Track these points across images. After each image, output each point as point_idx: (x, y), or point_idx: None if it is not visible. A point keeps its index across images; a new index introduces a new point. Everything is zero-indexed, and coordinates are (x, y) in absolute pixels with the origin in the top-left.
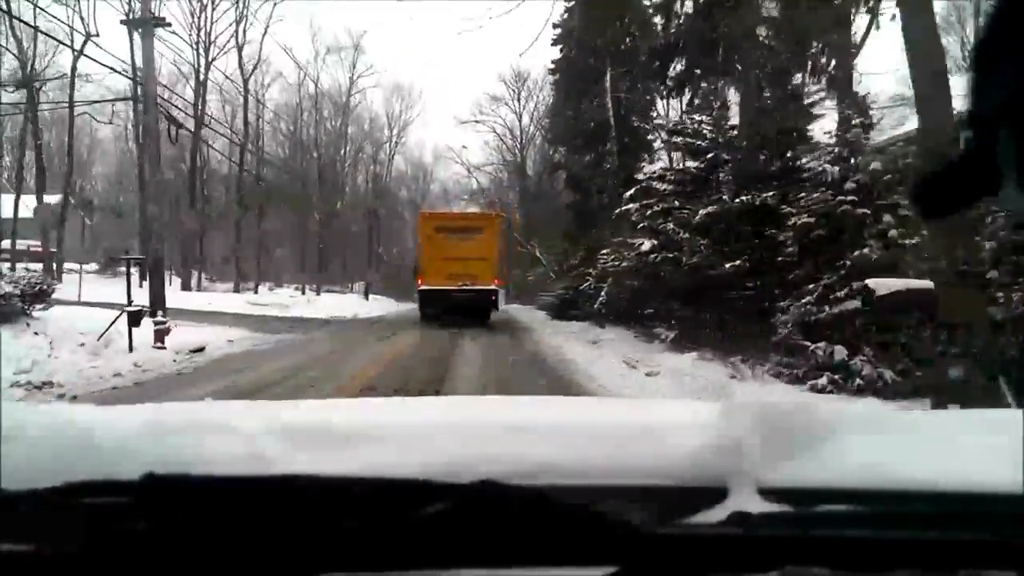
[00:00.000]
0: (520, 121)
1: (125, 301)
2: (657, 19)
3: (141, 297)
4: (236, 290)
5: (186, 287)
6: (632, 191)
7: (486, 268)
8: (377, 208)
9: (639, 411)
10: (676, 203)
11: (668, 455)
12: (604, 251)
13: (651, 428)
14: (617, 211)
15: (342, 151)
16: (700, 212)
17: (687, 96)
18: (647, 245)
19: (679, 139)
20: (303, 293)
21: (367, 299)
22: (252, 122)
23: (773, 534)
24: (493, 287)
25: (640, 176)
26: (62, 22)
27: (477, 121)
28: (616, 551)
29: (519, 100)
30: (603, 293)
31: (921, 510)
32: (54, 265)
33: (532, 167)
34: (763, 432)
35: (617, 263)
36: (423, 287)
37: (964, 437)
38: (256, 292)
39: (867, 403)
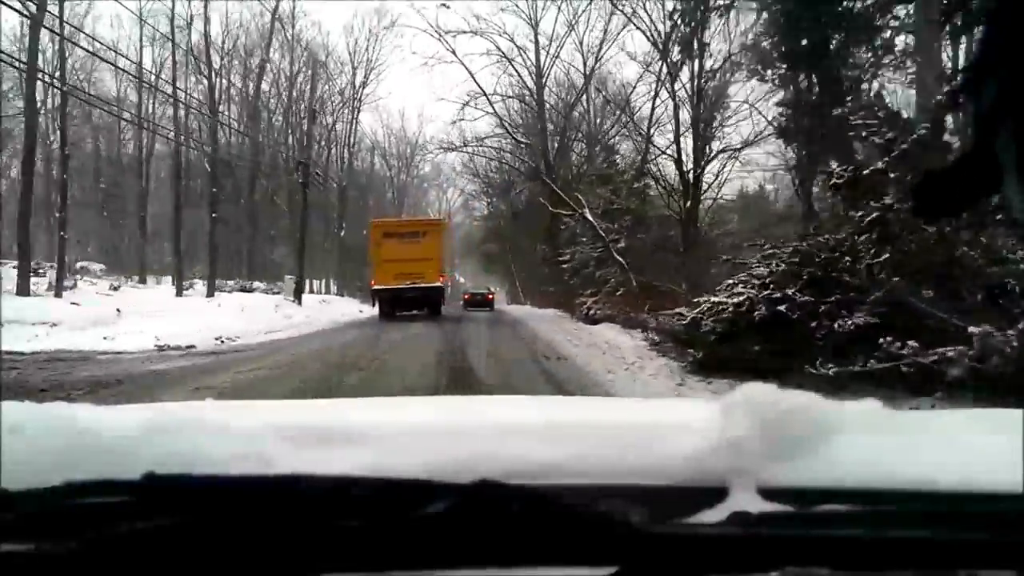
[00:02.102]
0: (536, 38)
1: None
2: None
3: None
4: (24, 290)
5: None
6: None
7: (431, 267)
8: (306, 161)
9: (639, 411)
10: None
11: (668, 455)
12: None
13: (651, 428)
14: None
15: (273, 85)
16: None
17: None
18: None
19: None
20: (179, 293)
21: (298, 302)
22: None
23: (773, 534)
24: (438, 284)
25: None
26: None
27: (473, 33)
28: (616, 551)
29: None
30: None
31: (921, 510)
32: None
33: (555, 102)
34: (763, 432)
35: None
36: (376, 287)
37: (964, 437)
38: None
39: (867, 403)
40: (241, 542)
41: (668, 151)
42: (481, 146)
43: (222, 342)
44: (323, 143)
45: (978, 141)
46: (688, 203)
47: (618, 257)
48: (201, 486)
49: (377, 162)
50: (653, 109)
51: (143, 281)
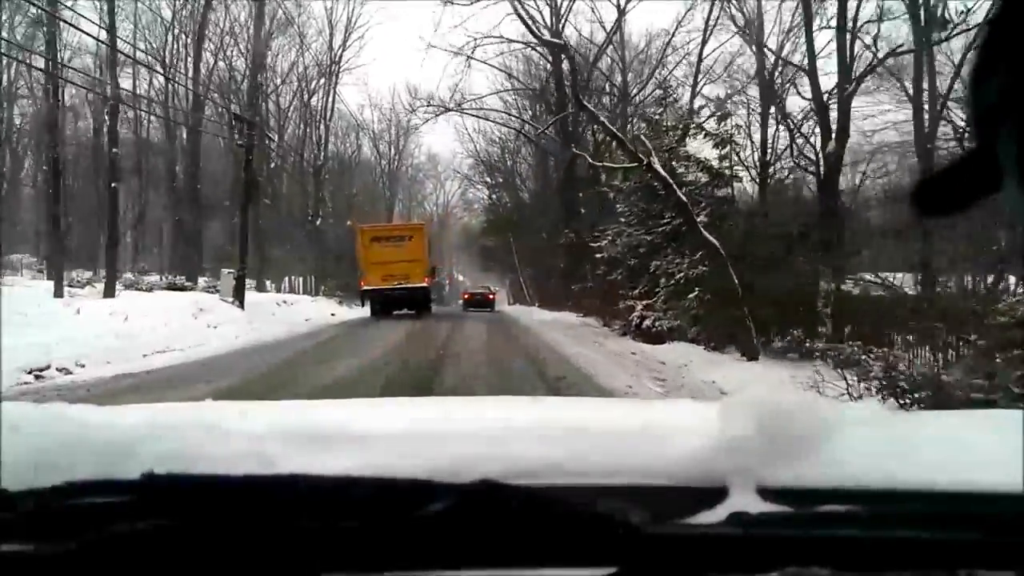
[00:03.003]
0: None
1: None
2: None
3: None
4: None
5: None
6: None
7: (417, 268)
8: (249, 118)
9: (639, 411)
10: None
11: (668, 455)
12: None
13: (651, 428)
14: None
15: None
16: None
17: None
18: None
19: None
20: (58, 292)
21: (239, 303)
22: None
23: (773, 534)
24: (424, 284)
25: None
26: None
27: None
28: (616, 551)
29: None
30: None
31: (921, 510)
32: None
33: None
34: (763, 432)
35: None
36: (365, 287)
37: (964, 437)
38: None
39: (867, 403)
40: (241, 542)
41: (795, 58)
42: (483, 109)
43: (37, 377)
44: (298, 121)
45: (978, 141)
46: (832, 145)
47: (709, 236)
48: (201, 485)
49: (366, 147)
50: None
51: (51, 278)
